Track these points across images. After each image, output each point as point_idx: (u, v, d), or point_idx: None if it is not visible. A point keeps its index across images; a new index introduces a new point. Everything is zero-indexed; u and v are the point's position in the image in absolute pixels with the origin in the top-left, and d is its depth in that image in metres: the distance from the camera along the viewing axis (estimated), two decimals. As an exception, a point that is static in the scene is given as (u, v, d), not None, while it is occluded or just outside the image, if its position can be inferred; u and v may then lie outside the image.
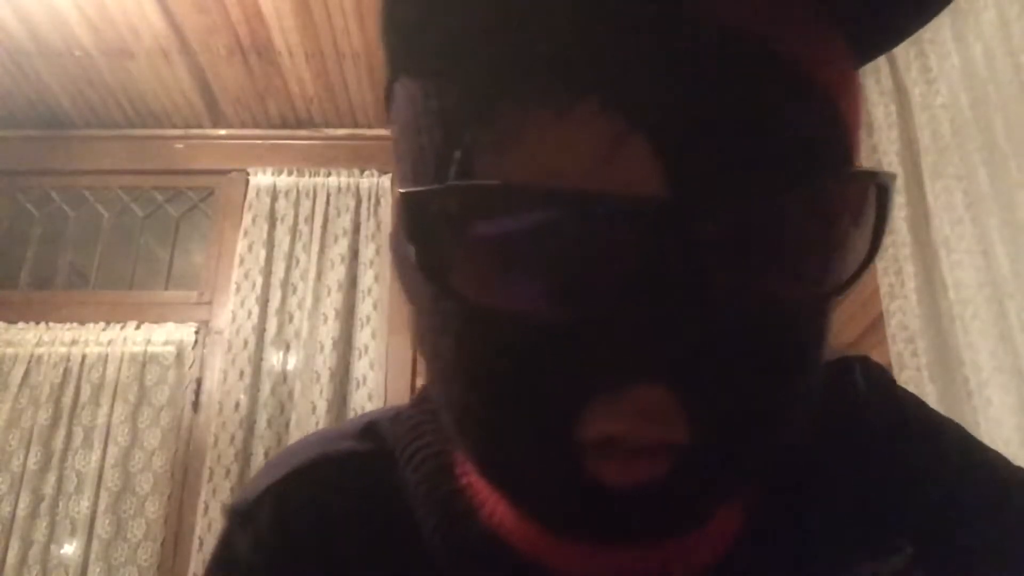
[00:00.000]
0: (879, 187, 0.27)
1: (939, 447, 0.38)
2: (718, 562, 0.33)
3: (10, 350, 2.41)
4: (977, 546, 0.35)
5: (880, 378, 0.41)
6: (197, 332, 2.47)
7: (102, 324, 2.45)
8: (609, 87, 0.25)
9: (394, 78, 0.31)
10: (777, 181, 0.25)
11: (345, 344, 2.43)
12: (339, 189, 2.61)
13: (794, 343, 0.28)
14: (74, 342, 2.42)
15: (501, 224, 0.26)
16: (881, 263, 1.70)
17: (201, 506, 2.23)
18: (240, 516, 0.40)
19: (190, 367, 2.42)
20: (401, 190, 0.28)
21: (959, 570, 0.34)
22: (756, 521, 0.34)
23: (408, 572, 0.36)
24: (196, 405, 2.40)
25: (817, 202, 0.26)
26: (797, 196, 0.26)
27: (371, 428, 0.42)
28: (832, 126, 0.27)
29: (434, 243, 0.27)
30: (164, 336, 2.44)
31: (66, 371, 2.38)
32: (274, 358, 2.41)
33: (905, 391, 0.41)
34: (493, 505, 0.35)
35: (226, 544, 0.41)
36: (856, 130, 0.29)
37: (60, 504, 2.26)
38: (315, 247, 2.52)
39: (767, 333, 0.26)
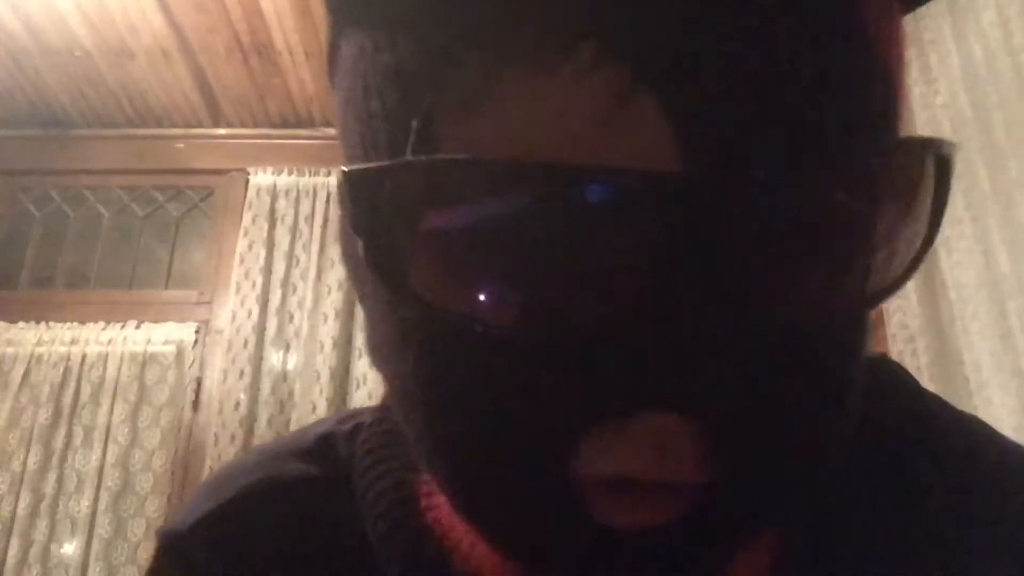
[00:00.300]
0: (938, 159, 0.21)
1: (974, 459, 0.33)
2: None
3: (10, 350, 2.41)
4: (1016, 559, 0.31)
5: (905, 383, 0.35)
6: (197, 332, 2.47)
7: (102, 324, 2.45)
8: (610, 30, 0.19)
9: (339, 32, 0.26)
10: (820, 152, 0.20)
11: (345, 344, 2.43)
12: (339, 189, 2.61)
13: (836, 356, 0.23)
14: (74, 342, 2.42)
15: (472, 210, 0.21)
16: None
17: (201, 506, 2.23)
18: (171, 548, 0.35)
19: (190, 367, 2.42)
20: (345, 168, 0.22)
21: None
22: (792, 553, 0.29)
23: None
24: (196, 405, 2.40)
25: (867, 179, 0.21)
26: (847, 171, 0.21)
27: (325, 444, 0.36)
28: (883, 85, 0.22)
29: (388, 235, 0.21)
30: (164, 336, 2.44)
31: (66, 371, 2.38)
32: (274, 357, 2.41)
33: (932, 395, 0.36)
34: (469, 547, 0.29)
35: None
36: (903, 95, 0.24)
37: (60, 503, 2.26)
38: (315, 247, 2.52)
39: (804, 346, 0.21)
